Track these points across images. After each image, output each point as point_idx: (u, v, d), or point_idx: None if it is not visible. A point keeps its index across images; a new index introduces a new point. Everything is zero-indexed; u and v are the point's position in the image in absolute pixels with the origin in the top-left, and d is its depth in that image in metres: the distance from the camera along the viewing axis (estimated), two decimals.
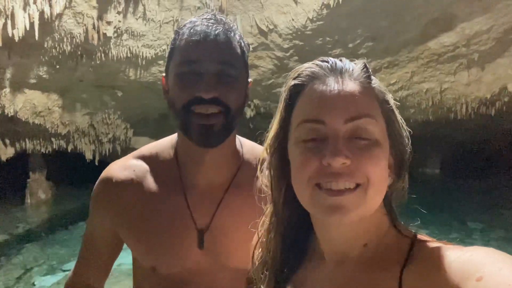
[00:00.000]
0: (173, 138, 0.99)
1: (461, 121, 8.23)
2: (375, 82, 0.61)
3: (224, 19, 0.88)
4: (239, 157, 0.97)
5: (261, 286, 0.70)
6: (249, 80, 0.93)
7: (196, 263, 0.92)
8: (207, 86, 0.81)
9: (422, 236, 0.59)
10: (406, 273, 0.53)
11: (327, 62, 0.62)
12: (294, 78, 0.63)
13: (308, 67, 0.62)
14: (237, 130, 0.95)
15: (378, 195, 0.57)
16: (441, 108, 7.74)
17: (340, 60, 0.62)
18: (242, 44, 0.89)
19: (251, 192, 0.92)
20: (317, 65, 0.62)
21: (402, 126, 0.62)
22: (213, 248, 0.91)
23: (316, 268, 0.66)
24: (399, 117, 0.62)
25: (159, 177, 0.95)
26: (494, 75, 6.63)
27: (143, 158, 0.98)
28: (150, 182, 0.95)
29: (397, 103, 0.63)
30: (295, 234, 0.68)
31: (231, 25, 0.88)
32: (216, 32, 0.83)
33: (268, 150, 0.67)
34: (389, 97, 0.62)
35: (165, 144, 1.00)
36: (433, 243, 0.56)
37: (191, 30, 0.84)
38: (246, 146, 1.00)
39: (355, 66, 0.61)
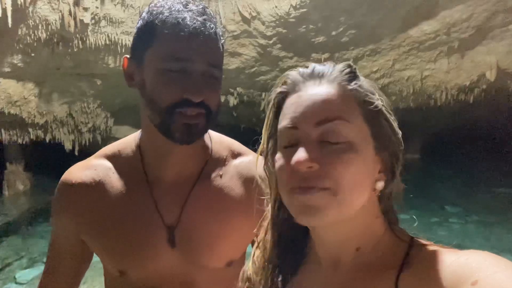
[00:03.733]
0: (136, 134, 0.94)
1: (441, 108, 8.40)
2: (358, 82, 0.59)
3: (205, 8, 0.82)
4: (207, 150, 0.93)
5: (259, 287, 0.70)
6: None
7: (169, 265, 0.86)
8: (196, 89, 0.77)
9: (419, 239, 0.59)
10: (402, 278, 0.53)
11: (308, 68, 0.62)
12: (280, 86, 0.64)
13: (292, 74, 0.63)
14: None
15: (354, 199, 0.56)
16: (421, 95, 7.87)
17: (324, 64, 0.62)
18: (223, 39, 0.84)
19: (220, 185, 0.90)
20: (299, 72, 0.63)
21: (393, 126, 0.60)
22: (185, 246, 0.86)
23: (312, 272, 0.66)
24: (389, 117, 0.60)
25: (122, 173, 0.90)
26: (473, 63, 6.77)
27: (106, 156, 0.93)
28: (113, 180, 0.89)
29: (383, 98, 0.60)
30: (292, 237, 0.68)
31: (213, 15, 0.82)
32: (206, 29, 0.78)
33: (262, 154, 0.68)
34: (375, 97, 0.59)
35: (128, 140, 0.95)
36: (430, 247, 0.56)
37: (176, 21, 0.77)
38: (214, 138, 0.96)
39: (335, 69, 0.60)
